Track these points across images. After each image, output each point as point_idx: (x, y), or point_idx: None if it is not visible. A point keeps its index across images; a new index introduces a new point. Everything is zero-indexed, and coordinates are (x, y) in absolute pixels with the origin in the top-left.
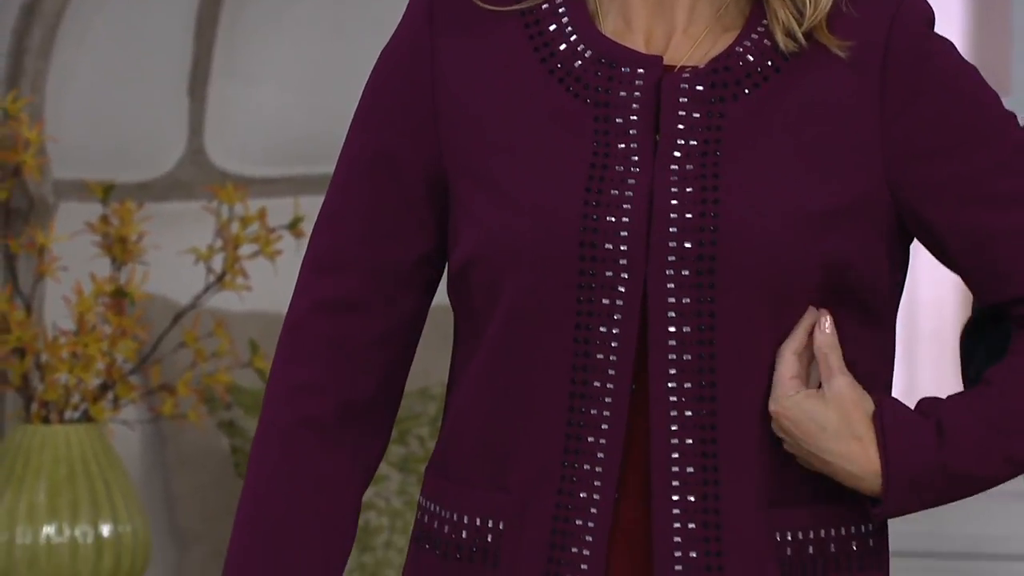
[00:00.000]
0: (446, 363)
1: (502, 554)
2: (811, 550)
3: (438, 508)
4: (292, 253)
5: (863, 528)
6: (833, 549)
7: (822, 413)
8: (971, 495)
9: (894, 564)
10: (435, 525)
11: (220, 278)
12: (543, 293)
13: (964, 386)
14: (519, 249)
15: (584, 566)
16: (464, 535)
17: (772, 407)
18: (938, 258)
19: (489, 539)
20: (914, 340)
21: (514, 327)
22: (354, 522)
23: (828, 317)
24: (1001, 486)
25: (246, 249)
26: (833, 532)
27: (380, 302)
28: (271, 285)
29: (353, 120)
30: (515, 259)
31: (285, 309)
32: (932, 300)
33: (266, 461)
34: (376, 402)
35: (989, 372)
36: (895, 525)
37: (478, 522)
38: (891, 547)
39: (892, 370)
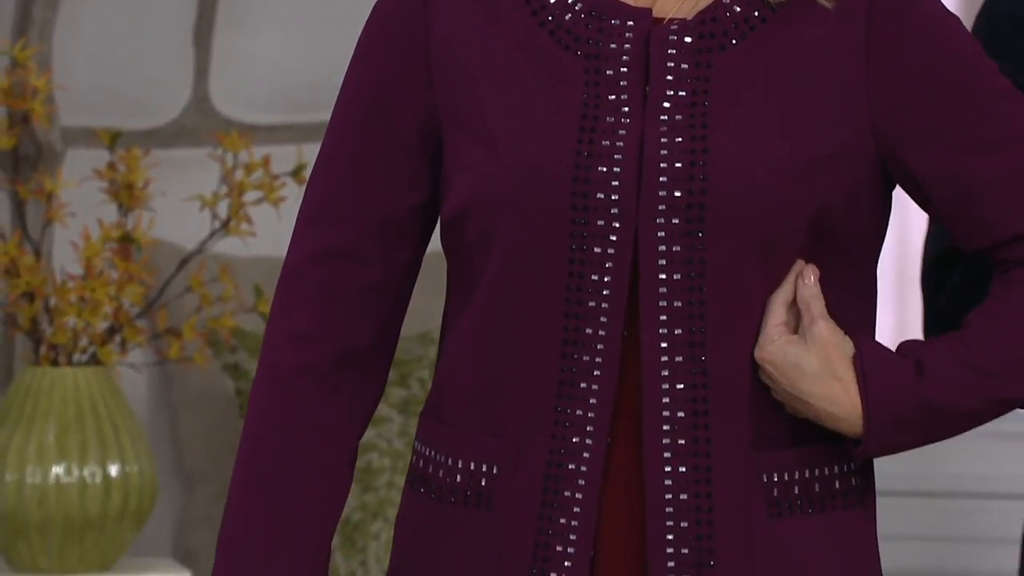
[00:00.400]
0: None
1: (496, 498)
2: (796, 490)
3: (432, 452)
4: (295, 200)
5: (846, 467)
6: (817, 488)
7: (803, 357)
8: (952, 435)
9: (881, 503)
10: (429, 469)
11: (225, 224)
12: (536, 243)
13: (928, 321)
14: (512, 199)
15: (577, 509)
16: (458, 479)
17: (757, 353)
18: (921, 206)
19: (483, 483)
20: (905, 284)
21: (507, 276)
22: (350, 467)
23: (812, 269)
24: (985, 426)
25: (250, 196)
26: (817, 472)
27: (375, 251)
28: (275, 231)
29: (348, 70)
30: (508, 209)
31: None
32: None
33: (265, 407)
34: (372, 349)
35: (969, 316)
36: (881, 465)
37: (472, 466)
38: (878, 487)
39: (875, 312)
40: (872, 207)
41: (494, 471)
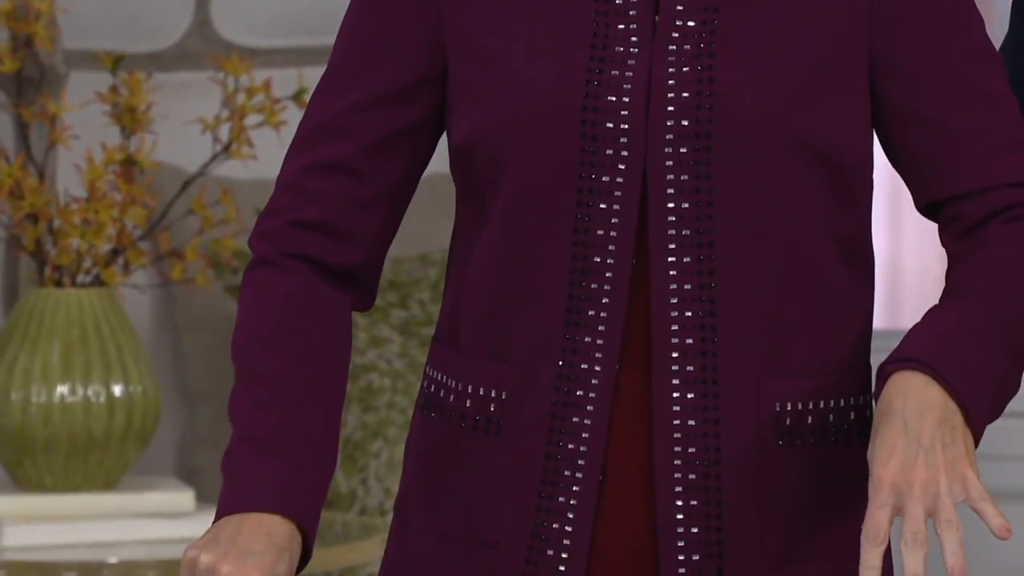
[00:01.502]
0: (445, 229)
1: (505, 423)
2: (809, 420)
3: (444, 378)
4: (296, 123)
5: (862, 399)
6: (832, 419)
7: (883, 429)
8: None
9: None
10: (440, 394)
11: (226, 147)
12: (545, 172)
13: None
14: (522, 129)
15: (585, 435)
16: (468, 404)
17: (881, 476)
18: (887, 149)
19: (492, 408)
20: (898, 212)
21: (517, 204)
22: (348, 339)
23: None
24: None
25: (252, 119)
26: (832, 403)
27: (369, 167)
28: (276, 154)
29: None
30: (518, 139)
31: None
32: None
33: (261, 281)
34: (361, 263)
35: (955, 282)
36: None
37: (481, 392)
38: None
39: (872, 244)
40: (866, 137)
41: (503, 396)
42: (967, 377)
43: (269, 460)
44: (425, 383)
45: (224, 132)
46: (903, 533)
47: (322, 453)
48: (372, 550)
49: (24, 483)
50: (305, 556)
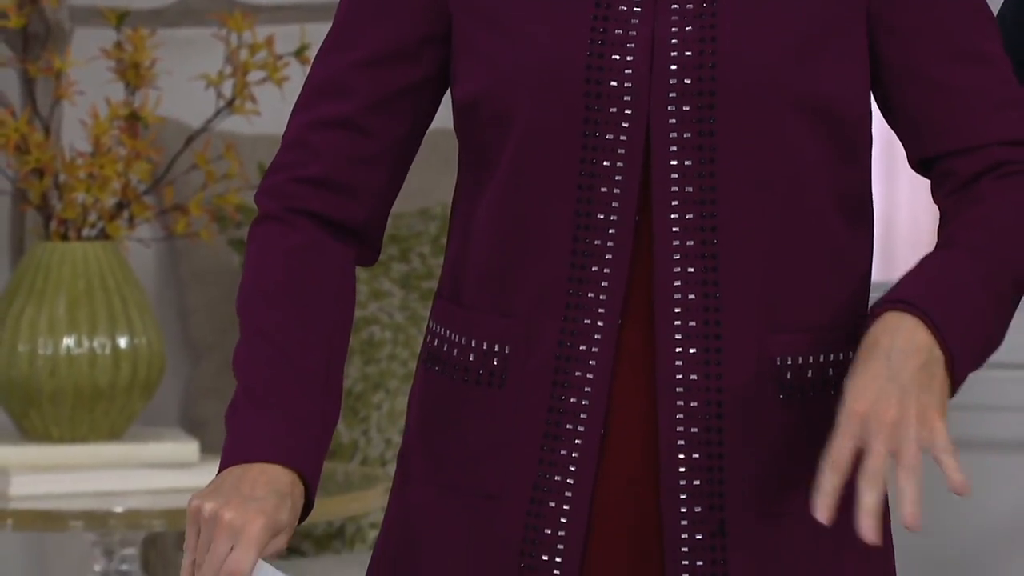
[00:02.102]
0: (446, 185)
1: (508, 377)
2: (810, 374)
3: (447, 332)
4: (298, 79)
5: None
6: (832, 373)
7: (865, 360)
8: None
9: None
10: (444, 348)
11: (230, 103)
12: (550, 130)
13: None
14: (527, 88)
15: (587, 389)
16: (472, 358)
17: (854, 407)
18: (882, 106)
19: (495, 363)
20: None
21: (522, 161)
22: (350, 294)
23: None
24: None
25: (254, 75)
26: (832, 357)
27: (373, 124)
28: (279, 110)
29: None
30: (523, 97)
31: None
32: None
33: (264, 235)
34: (364, 219)
35: (949, 233)
36: None
37: (485, 346)
38: None
39: (872, 201)
40: (866, 94)
41: (506, 351)
42: (955, 326)
43: (270, 413)
44: (428, 337)
45: (227, 88)
46: (863, 468)
47: (323, 406)
48: (373, 500)
49: (31, 434)
50: (308, 506)
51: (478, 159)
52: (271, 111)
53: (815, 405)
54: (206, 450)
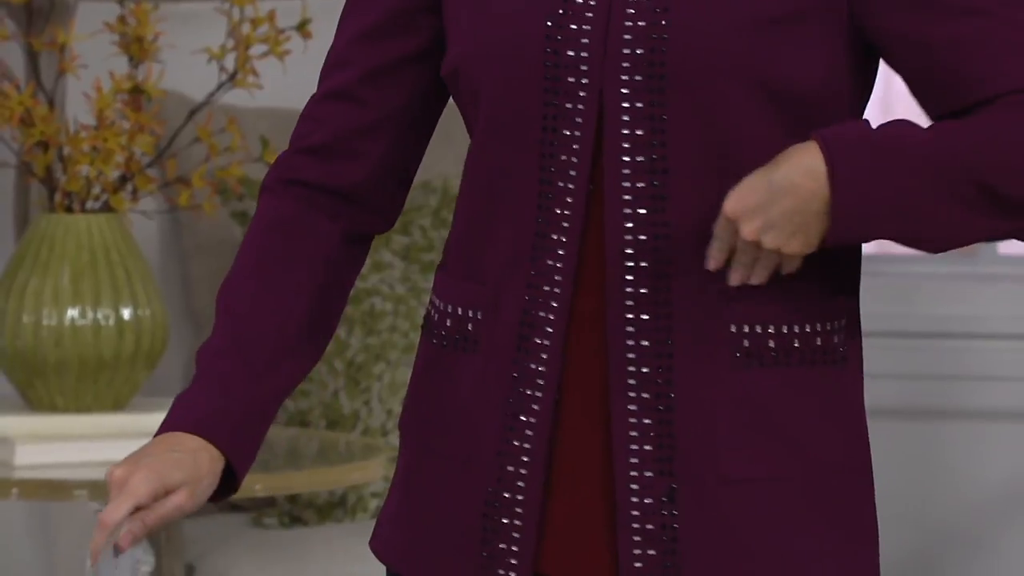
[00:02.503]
0: (447, 157)
1: (480, 342)
2: (771, 344)
3: (437, 301)
4: (300, 53)
5: (829, 326)
6: (797, 344)
7: (764, 171)
8: (933, 224)
9: (868, 342)
10: (435, 318)
11: (232, 76)
12: (514, 98)
13: None
14: (491, 58)
15: (544, 355)
16: (449, 324)
17: (726, 207)
18: (906, 84)
19: (469, 328)
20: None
21: (489, 132)
22: (331, 262)
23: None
24: (971, 268)
25: (256, 49)
26: (796, 328)
27: (370, 95)
28: (280, 83)
29: None
30: (488, 68)
31: (294, 106)
32: None
33: (260, 210)
34: (366, 186)
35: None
36: (868, 307)
37: (460, 311)
38: (867, 328)
39: None
40: (846, 72)
41: (479, 316)
42: (858, 181)
43: (196, 386)
44: (428, 308)
45: (229, 61)
46: (732, 265)
47: (257, 375)
48: (375, 469)
49: (36, 404)
50: (234, 474)
51: (467, 128)
52: (273, 85)
53: (773, 374)
54: None
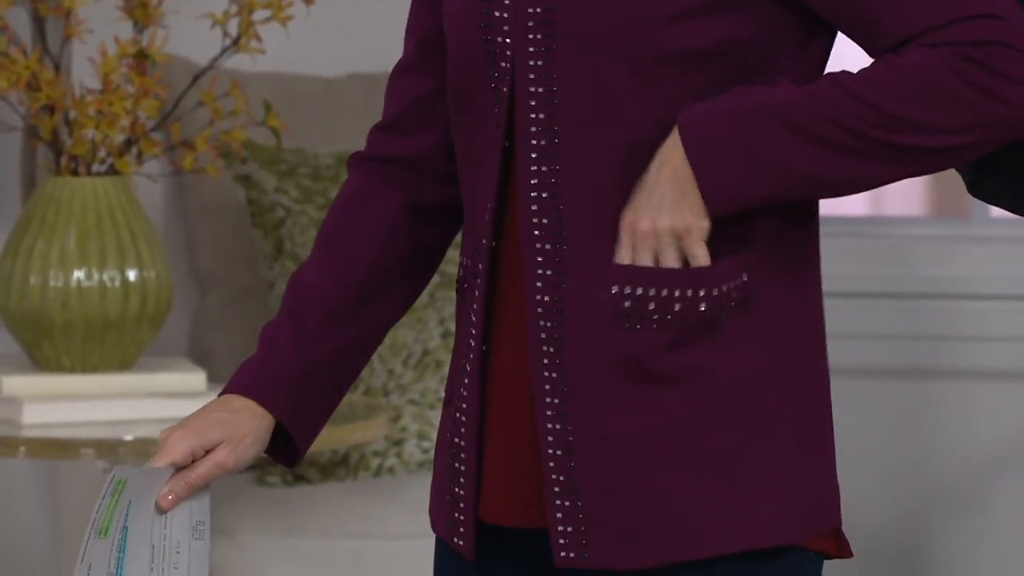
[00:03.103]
0: None
1: (467, 289)
2: (651, 306)
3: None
4: (302, 18)
5: (715, 291)
6: (678, 308)
7: (644, 179)
8: (818, 169)
9: (857, 303)
10: (460, 272)
11: (236, 41)
12: (466, 57)
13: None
14: (450, 20)
15: (475, 306)
16: (460, 273)
17: (622, 223)
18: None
19: (461, 273)
20: None
21: (454, 90)
22: (391, 234)
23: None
24: (961, 230)
25: (260, 14)
26: (678, 292)
27: (427, 62)
28: (283, 48)
29: None
30: (448, 31)
31: (296, 71)
32: None
33: (343, 185)
34: (424, 152)
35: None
36: (860, 268)
37: (459, 259)
38: (855, 289)
39: None
40: (787, 33)
41: (467, 264)
42: (709, 146)
43: (254, 354)
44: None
45: (233, 27)
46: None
47: (308, 337)
48: (376, 429)
49: (43, 364)
50: (285, 436)
51: None
52: (276, 49)
53: (657, 336)
54: (213, 380)
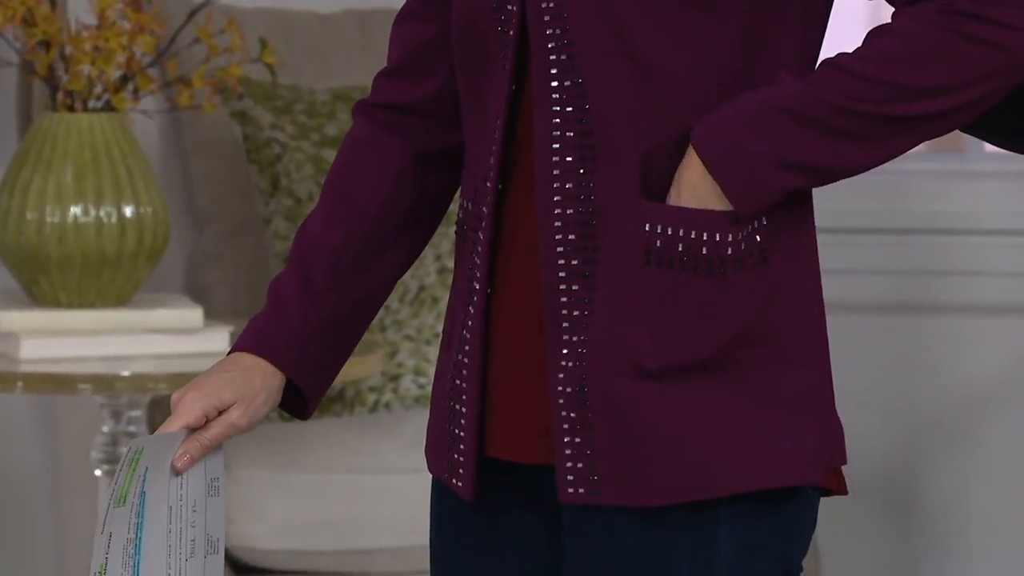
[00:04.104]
0: None
1: (467, 228)
2: (680, 247)
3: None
4: None
5: (741, 235)
6: (704, 251)
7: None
8: (844, 153)
9: (853, 239)
10: (460, 214)
11: None
12: (472, 12)
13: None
14: None
15: (479, 248)
16: (460, 214)
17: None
18: None
19: (461, 214)
20: None
21: (462, 38)
22: (395, 183)
23: None
24: (956, 165)
25: None
26: (706, 236)
27: (429, 9)
28: None
29: None
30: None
31: (291, 7)
32: None
33: (348, 132)
34: (427, 98)
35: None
36: (857, 204)
37: (461, 203)
38: (854, 224)
39: (787, 71)
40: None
41: (468, 207)
42: (729, 156)
43: (262, 310)
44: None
45: None
46: None
47: (316, 292)
48: (372, 365)
49: (40, 299)
50: (296, 389)
51: None
52: None
53: (682, 277)
54: (209, 316)
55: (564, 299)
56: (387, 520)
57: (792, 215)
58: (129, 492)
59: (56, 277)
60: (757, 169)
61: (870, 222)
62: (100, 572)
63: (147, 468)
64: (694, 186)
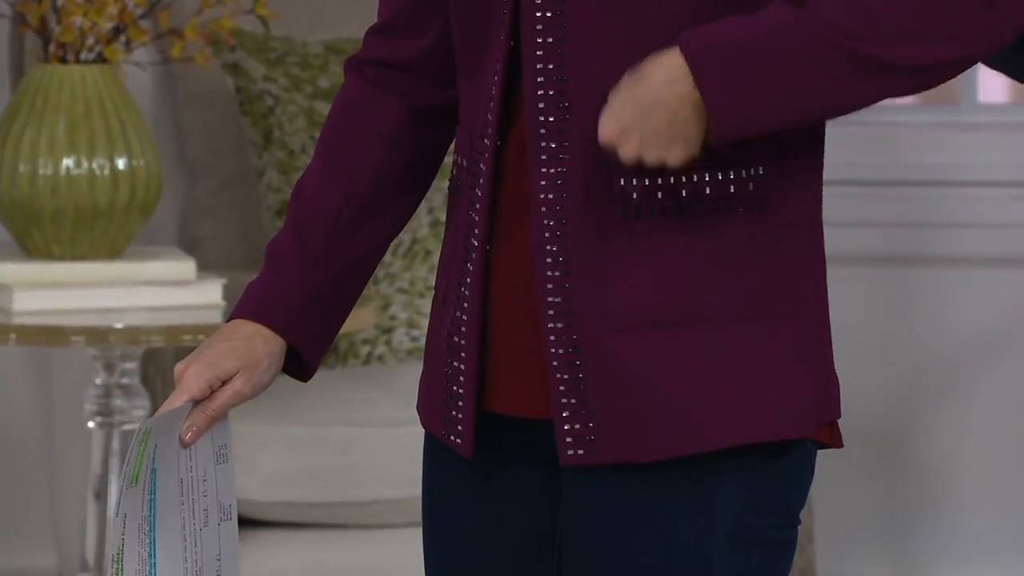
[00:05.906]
0: None
1: (461, 186)
2: (659, 195)
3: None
4: None
5: (720, 175)
6: (684, 194)
7: (630, 87)
8: (813, 99)
9: (846, 191)
10: (455, 171)
11: None
12: None
13: None
14: None
15: (477, 205)
16: (455, 171)
17: (600, 135)
18: None
19: (455, 172)
20: None
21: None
22: (392, 139)
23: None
24: (949, 117)
25: None
26: (684, 178)
27: None
28: None
29: None
30: None
31: None
32: None
33: (340, 89)
34: (420, 54)
35: None
36: (848, 156)
37: (455, 159)
38: (845, 176)
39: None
40: None
41: (463, 163)
42: (728, 85)
43: (260, 275)
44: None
45: None
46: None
47: (314, 254)
48: (365, 318)
49: (33, 251)
50: (296, 352)
51: None
52: None
53: (665, 224)
54: (202, 268)
55: (549, 259)
56: (381, 472)
57: (799, 163)
58: (140, 472)
59: (49, 229)
60: (745, 94)
61: (862, 174)
62: (117, 555)
63: (156, 446)
64: (682, 98)
